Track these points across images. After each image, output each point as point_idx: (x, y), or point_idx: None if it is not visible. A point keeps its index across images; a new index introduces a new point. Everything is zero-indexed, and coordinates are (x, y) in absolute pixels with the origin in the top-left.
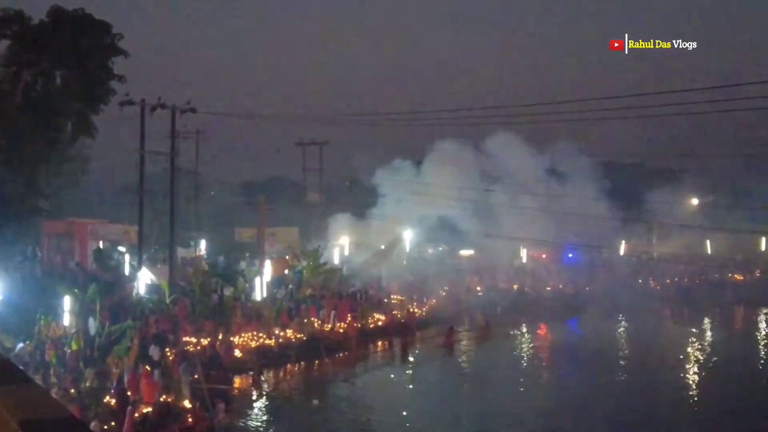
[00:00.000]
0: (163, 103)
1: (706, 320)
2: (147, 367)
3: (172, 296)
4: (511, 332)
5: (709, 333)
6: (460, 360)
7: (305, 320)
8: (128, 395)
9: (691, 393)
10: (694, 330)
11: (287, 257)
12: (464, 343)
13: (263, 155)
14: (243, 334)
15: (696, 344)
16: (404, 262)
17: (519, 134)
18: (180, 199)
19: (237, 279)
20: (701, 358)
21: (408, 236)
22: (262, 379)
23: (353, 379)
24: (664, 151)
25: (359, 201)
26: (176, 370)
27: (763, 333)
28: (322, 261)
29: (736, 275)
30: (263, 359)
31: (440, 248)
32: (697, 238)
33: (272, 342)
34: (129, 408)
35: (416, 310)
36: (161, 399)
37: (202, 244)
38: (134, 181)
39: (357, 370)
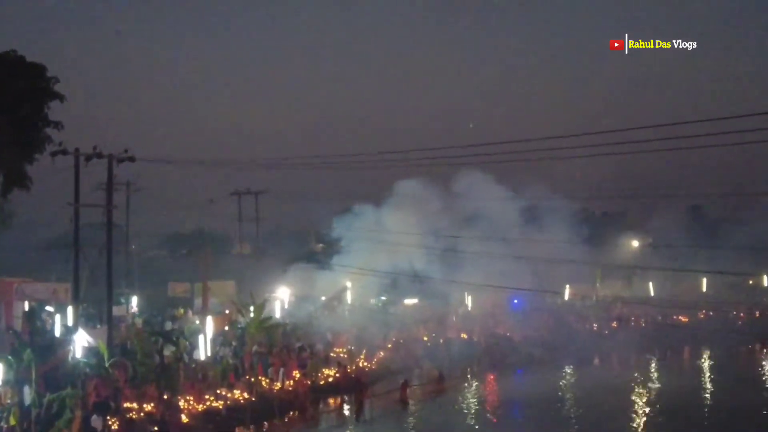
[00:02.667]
0: (100, 151)
1: (653, 364)
2: None
3: (111, 359)
4: (464, 384)
5: (656, 379)
6: (416, 416)
7: (253, 379)
8: None
9: None
10: (642, 377)
11: (227, 312)
12: (419, 397)
13: (197, 206)
14: (189, 397)
15: (645, 393)
16: (347, 314)
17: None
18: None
19: (178, 338)
20: (649, 409)
21: (350, 286)
22: None
23: None
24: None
25: (295, 251)
26: None
27: (709, 377)
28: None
29: (681, 317)
30: (211, 423)
31: (383, 298)
32: (640, 280)
33: (220, 404)
34: None
35: (366, 364)
36: None
37: (134, 301)
38: (59, 236)
39: (310, 430)
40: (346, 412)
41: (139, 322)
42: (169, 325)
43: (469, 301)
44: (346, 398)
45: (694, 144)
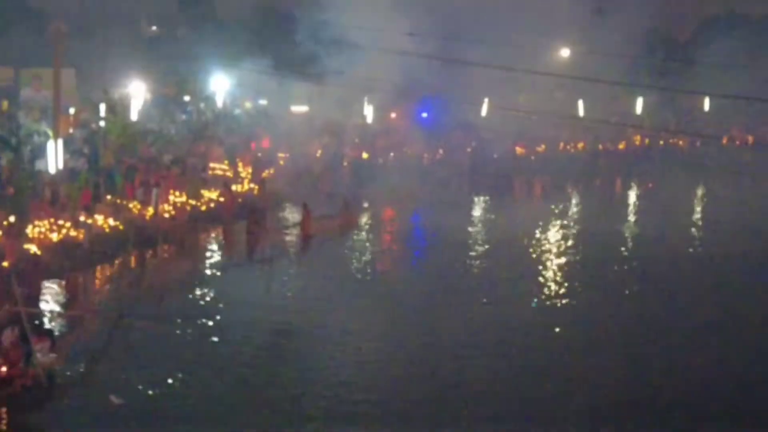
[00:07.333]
0: None
1: (577, 196)
2: None
3: None
4: (374, 216)
5: (577, 212)
6: (324, 254)
7: (119, 201)
8: None
9: (554, 294)
10: (560, 207)
11: (71, 111)
12: (325, 230)
13: None
14: (38, 223)
15: (563, 229)
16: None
17: None
18: None
19: (19, 143)
20: (570, 246)
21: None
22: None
23: (193, 282)
24: None
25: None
26: None
27: (634, 210)
28: None
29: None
30: (69, 259)
31: (262, 102)
32: (566, 97)
33: (79, 233)
34: None
35: (254, 185)
36: None
37: None
38: None
39: (195, 269)
40: (237, 246)
41: None
42: None
43: (369, 111)
44: (235, 227)
45: None
